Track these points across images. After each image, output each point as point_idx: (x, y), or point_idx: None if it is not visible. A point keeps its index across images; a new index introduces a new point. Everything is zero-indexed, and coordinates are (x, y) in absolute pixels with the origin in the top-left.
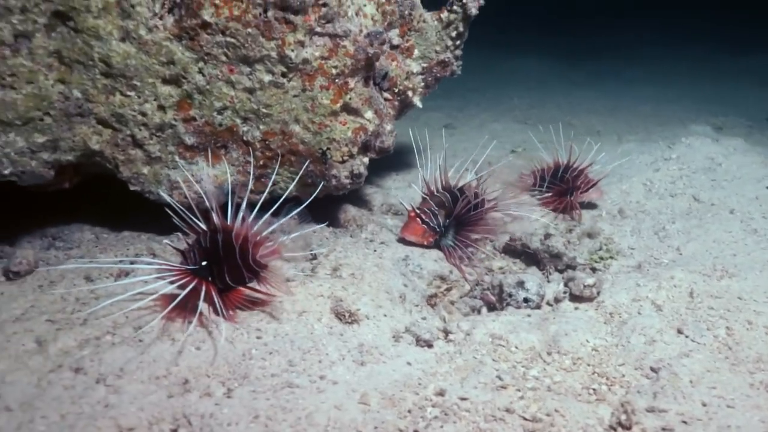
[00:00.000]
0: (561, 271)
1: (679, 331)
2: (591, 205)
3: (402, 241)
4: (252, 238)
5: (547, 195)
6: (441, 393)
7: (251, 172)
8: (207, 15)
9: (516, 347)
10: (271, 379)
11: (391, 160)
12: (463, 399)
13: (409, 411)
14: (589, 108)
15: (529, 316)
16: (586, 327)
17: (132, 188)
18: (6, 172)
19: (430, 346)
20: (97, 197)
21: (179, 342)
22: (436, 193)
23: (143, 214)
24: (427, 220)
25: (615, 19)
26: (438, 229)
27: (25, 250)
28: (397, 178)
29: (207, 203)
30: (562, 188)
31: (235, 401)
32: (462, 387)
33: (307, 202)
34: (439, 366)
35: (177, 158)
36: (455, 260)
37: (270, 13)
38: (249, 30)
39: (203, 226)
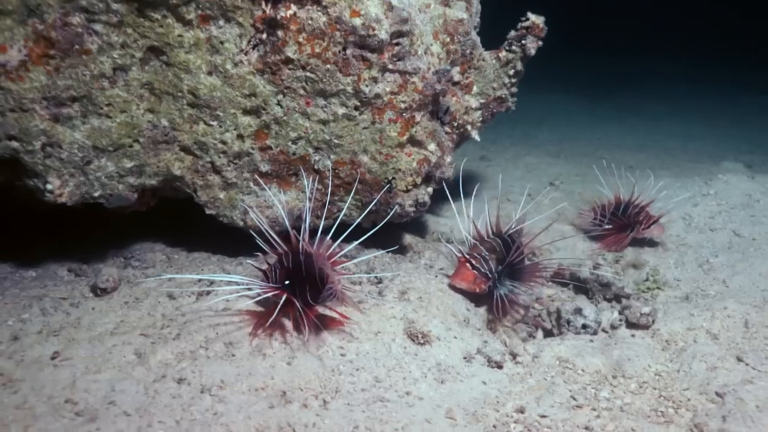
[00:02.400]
0: (609, 300)
1: (739, 359)
2: (652, 242)
3: (452, 288)
4: (330, 260)
5: (606, 229)
6: (521, 410)
7: (327, 200)
8: (290, 52)
9: (582, 370)
10: (362, 394)
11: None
12: (542, 416)
13: (494, 426)
14: (619, 143)
15: (591, 341)
16: (646, 353)
17: (208, 212)
18: (96, 194)
19: (500, 367)
20: (163, 219)
21: (270, 357)
22: (486, 238)
23: (210, 237)
24: (477, 265)
25: (633, 56)
26: (490, 275)
27: (110, 268)
28: (443, 207)
29: (287, 225)
30: (623, 223)
31: (333, 413)
32: (539, 405)
33: (376, 228)
34: (513, 386)
35: (251, 184)
36: (503, 314)
37: (349, 51)
38: (328, 66)
39: (284, 248)
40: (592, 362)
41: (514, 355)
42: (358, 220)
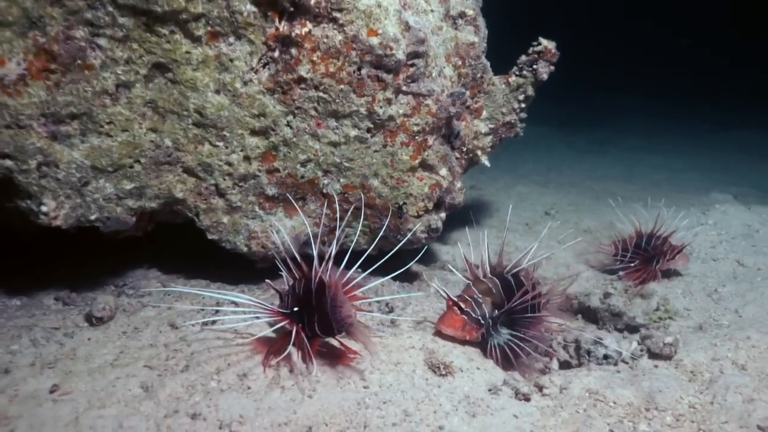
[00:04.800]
0: (620, 330)
1: None
2: (676, 272)
3: (439, 334)
4: (343, 290)
5: (632, 265)
6: None
7: (337, 225)
8: (303, 71)
9: (614, 402)
10: (393, 429)
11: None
12: None
13: None
14: (605, 174)
15: (618, 372)
16: (675, 384)
17: (210, 237)
18: (92, 217)
19: (527, 399)
20: (157, 245)
21: (289, 389)
22: (482, 278)
23: (208, 264)
24: (468, 309)
25: (607, 92)
26: (482, 321)
27: (106, 296)
28: (445, 234)
29: (294, 251)
30: (648, 257)
31: None
32: None
33: (407, 265)
34: (545, 419)
35: (257, 208)
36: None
37: (364, 71)
38: (342, 86)
39: (298, 273)
40: (623, 394)
41: (540, 387)
42: (370, 249)
